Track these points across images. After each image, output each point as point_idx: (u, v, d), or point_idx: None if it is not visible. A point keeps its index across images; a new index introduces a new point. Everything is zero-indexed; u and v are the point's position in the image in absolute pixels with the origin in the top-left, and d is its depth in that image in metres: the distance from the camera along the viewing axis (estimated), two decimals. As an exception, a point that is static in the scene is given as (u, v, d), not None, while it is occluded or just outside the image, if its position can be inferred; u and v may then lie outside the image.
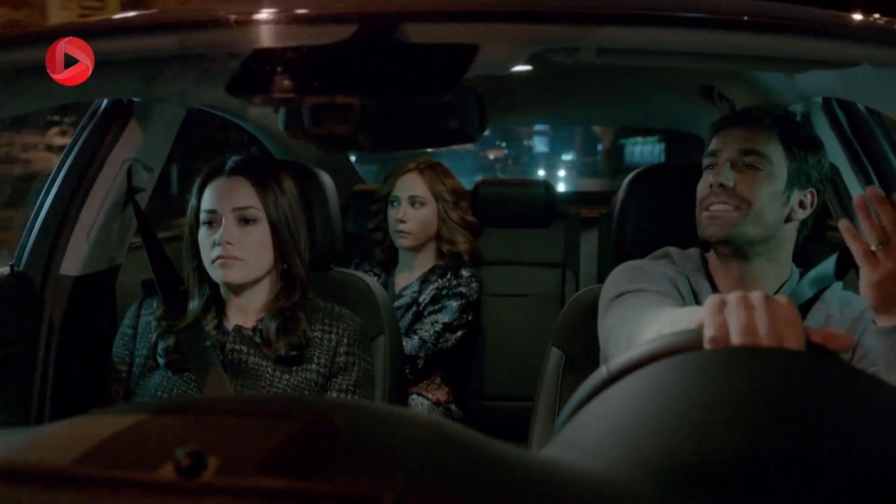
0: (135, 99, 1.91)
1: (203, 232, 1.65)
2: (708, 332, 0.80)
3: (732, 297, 0.84)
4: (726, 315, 0.81)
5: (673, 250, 1.58)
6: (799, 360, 0.73)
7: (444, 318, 2.31)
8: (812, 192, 1.49)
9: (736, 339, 0.79)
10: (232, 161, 1.69)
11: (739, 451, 0.52)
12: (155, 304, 1.74)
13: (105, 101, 1.93)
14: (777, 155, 1.45)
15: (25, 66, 1.33)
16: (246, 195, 1.64)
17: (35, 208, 1.94)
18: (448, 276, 2.38)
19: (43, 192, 1.94)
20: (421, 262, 2.47)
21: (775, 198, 1.44)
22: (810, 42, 1.16)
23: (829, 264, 1.52)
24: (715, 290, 1.49)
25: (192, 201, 1.68)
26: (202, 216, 1.65)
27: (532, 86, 2.55)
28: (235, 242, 1.62)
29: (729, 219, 1.43)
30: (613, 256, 1.76)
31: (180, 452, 0.42)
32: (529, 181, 3.80)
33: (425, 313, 2.34)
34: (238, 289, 1.68)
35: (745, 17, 1.13)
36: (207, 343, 1.65)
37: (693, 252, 1.58)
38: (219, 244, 1.61)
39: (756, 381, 0.64)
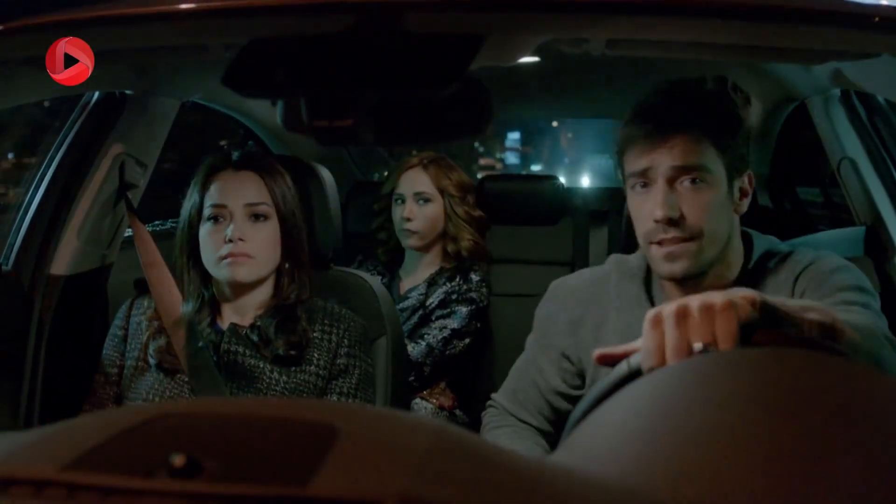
0: (127, 92, 1.87)
1: (208, 227, 1.61)
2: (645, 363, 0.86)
3: (667, 312, 0.87)
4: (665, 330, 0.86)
5: (616, 263, 1.49)
6: (821, 362, 0.72)
7: (452, 323, 2.27)
8: (749, 175, 1.36)
9: (671, 358, 0.84)
10: (238, 154, 1.65)
11: (757, 458, 0.50)
12: (146, 304, 1.70)
13: (96, 94, 1.89)
14: (712, 157, 1.29)
15: (15, 58, 1.30)
16: (257, 190, 1.61)
17: (24, 205, 1.90)
18: (457, 280, 2.33)
19: (32, 189, 1.90)
20: (428, 263, 2.42)
21: (722, 206, 1.30)
22: (828, 32, 1.13)
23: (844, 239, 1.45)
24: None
25: (194, 196, 1.63)
26: (207, 211, 1.61)
27: (538, 78, 2.51)
28: (247, 239, 1.58)
29: (687, 252, 1.28)
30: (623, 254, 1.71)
31: (174, 458, 0.41)
32: (537, 176, 3.75)
33: (433, 317, 2.29)
34: (243, 288, 1.64)
35: (761, 6, 1.09)
36: (200, 343, 1.59)
37: (637, 263, 1.45)
38: (231, 241, 1.57)
39: (775, 385, 0.62)
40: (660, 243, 1.29)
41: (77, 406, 1.69)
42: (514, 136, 16.41)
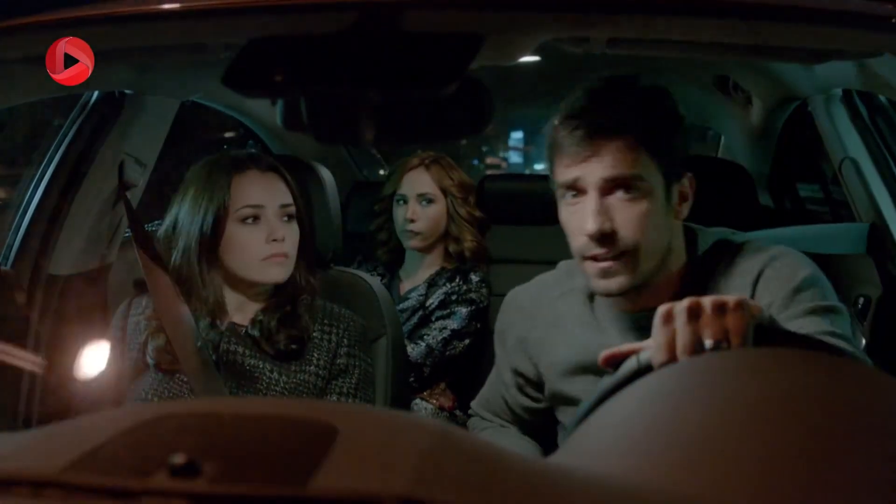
0: (126, 91, 1.87)
1: (244, 228, 1.58)
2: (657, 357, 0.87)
3: (679, 308, 0.89)
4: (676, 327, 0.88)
5: (563, 273, 1.44)
6: (828, 363, 0.72)
7: (452, 324, 2.26)
8: (689, 177, 1.27)
9: (682, 354, 0.85)
10: (254, 155, 1.66)
11: (763, 457, 0.50)
12: (144, 303, 1.68)
13: (96, 94, 1.88)
14: (647, 165, 1.19)
15: (15, 57, 1.30)
16: (285, 191, 1.62)
17: (23, 205, 1.89)
18: (457, 280, 2.32)
19: (31, 189, 1.90)
20: (429, 264, 2.41)
21: (659, 215, 1.21)
22: (829, 31, 1.13)
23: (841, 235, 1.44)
24: (599, 325, 1.34)
25: (216, 197, 1.58)
26: (241, 212, 1.58)
27: (539, 77, 2.50)
28: (286, 239, 1.60)
29: (622, 269, 1.20)
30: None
31: (174, 458, 0.41)
32: (538, 176, 3.73)
33: (433, 318, 2.28)
34: (258, 287, 1.63)
35: (761, 5, 1.09)
36: (199, 343, 1.58)
37: (581, 279, 1.35)
38: (275, 240, 1.58)
39: (782, 384, 0.62)
40: (594, 258, 1.21)
41: (77, 406, 1.68)
42: (516, 136, 16.65)
